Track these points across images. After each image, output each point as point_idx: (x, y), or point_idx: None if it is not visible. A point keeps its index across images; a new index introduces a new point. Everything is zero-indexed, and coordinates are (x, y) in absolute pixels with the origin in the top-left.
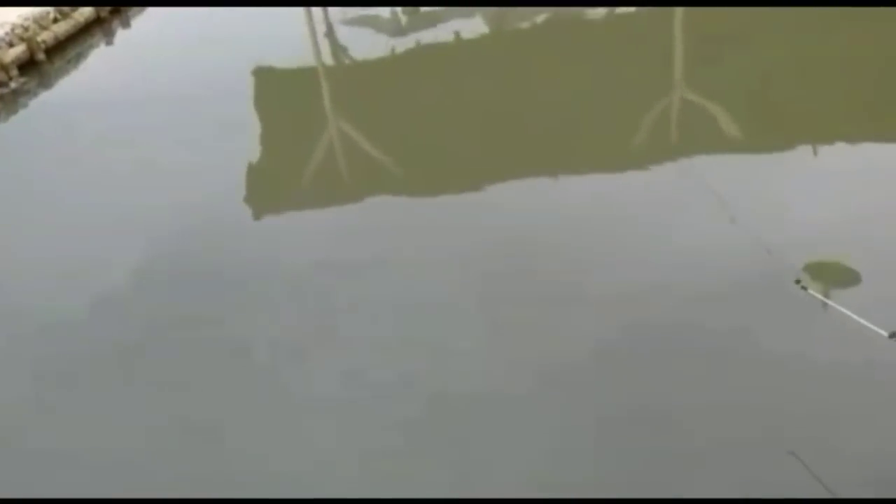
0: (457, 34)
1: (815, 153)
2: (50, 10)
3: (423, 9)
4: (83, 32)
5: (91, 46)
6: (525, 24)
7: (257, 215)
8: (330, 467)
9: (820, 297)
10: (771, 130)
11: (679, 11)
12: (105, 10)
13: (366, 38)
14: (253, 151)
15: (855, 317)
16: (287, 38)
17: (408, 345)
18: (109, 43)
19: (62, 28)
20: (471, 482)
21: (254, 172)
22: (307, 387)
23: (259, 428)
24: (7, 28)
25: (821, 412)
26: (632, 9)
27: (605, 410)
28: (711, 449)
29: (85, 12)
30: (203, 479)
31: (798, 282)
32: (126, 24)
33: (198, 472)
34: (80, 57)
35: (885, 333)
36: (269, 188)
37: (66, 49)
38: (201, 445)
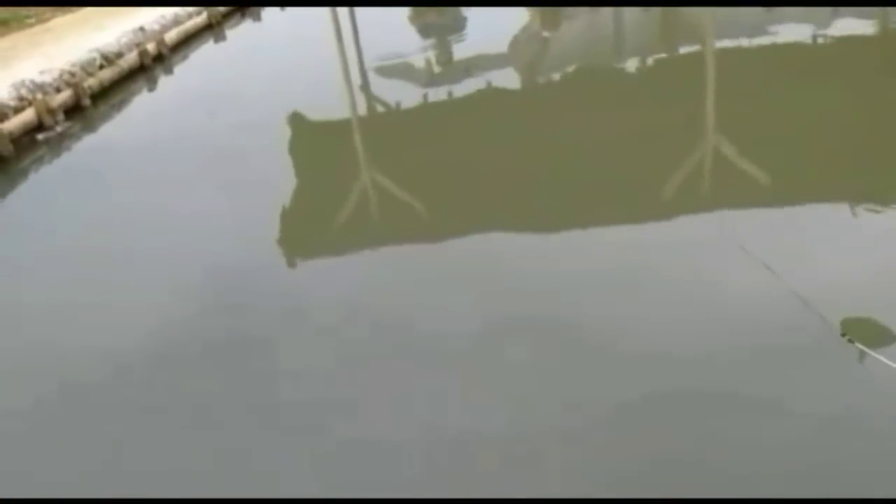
0: (489, 84)
1: (853, 211)
2: (97, 58)
3: (456, 58)
4: (127, 79)
5: (134, 93)
6: (556, 75)
7: (290, 261)
8: None
9: (867, 349)
10: (806, 183)
11: (710, 59)
12: (149, 58)
13: (399, 88)
14: (286, 199)
15: None
16: (324, 86)
17: (429, 399)
18: (152, 90)
19: (107, 74)
20: None
21: (287, 218)
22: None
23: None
24: (55, 74)
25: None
26: (664, 55)
27: (629, 474)
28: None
29: (129, 59)
30: None
31: (844, 335)
32: (169, 72)
33: None
34: (123, 103)
35: None
36: (302, 235)
37: (110, 95)
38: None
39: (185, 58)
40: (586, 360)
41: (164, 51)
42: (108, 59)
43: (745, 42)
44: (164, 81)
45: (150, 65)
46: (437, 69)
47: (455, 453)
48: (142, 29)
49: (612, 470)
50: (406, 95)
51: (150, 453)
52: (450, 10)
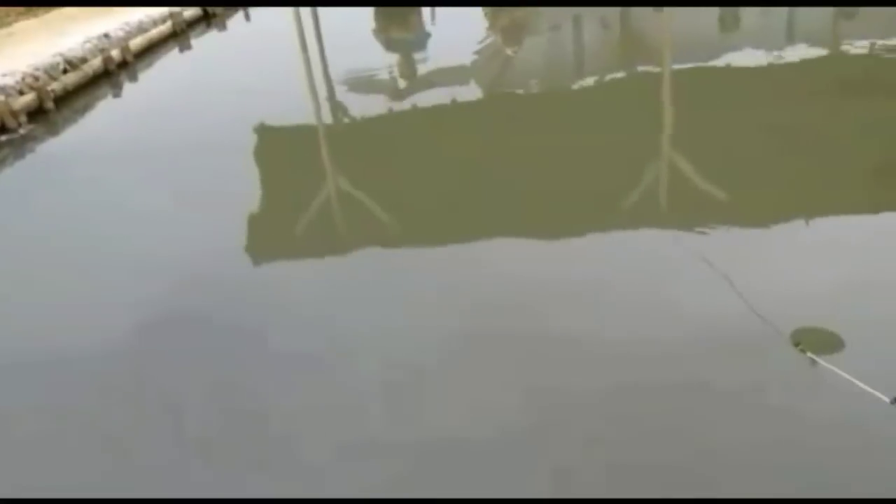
0: (452, 99)
1: (807, 223)
2: (60, 62)
3: (420, 73)
4: (91, 84)
5: (98, 98)
6: (518, 91)
7: (256, 264)
8: None
9: (818, 359)
10: (759, 200)
11: (667, 76)
12: (113, 64)
13: (364, 101)
14: (252, 205)
15: (855, 381)
16: (289, 95)
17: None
18: (117, 95)
19: (71, 79)
20: None
21: (254, 224)
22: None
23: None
24: (18, 76)
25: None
26: (622, 74)
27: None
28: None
29: (94, 64)
30: None
31: (797, 345)
32: (133, 78)
33: None
34: (87, 107)
35: (886, 399)
36: (268, 240)
37: (74, 99)
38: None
39: (149, 65)
40: (543, 367)
41: (129, 57)
42: (71, 64)
43: (701, 64)
44: (129, 88)
45: (114, 71)
46: (401, 83)
47: (415, 459)
48: (106, 35)
49: (570, 467)
50: (371, 108)
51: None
52: (414, 26)
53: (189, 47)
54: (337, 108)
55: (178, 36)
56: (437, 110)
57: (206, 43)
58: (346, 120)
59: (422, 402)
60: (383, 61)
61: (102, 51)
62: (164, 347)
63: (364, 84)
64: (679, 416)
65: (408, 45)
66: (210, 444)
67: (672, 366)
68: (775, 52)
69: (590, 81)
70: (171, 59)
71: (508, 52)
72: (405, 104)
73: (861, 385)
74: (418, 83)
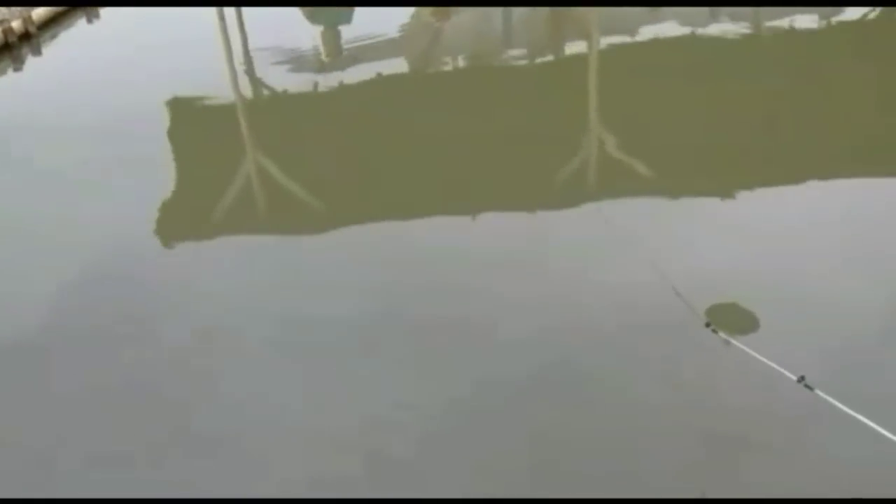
0: (378, 73)
1: (723, 199)
2: None
3: (346, 47)
4: None
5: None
6: (446, 66)
7: (169, 246)
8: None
9: (729, 338)
10: (684, 176)
11: (594, 56)
12: (14, 37)
13: (286, 75)
14: (165, 185)
15: (763, 359)
16: (205, 71)
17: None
18: (18, 69)
19: None
20: None
21: (166, 205)
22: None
23: None
24: None
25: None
26: (551, 48)
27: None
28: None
29: None
30: None
31: (708, 325)
32: (37, 52)
33: None
34: None
35: (793, 377)
36: (181, 221)
37: None
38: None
39: (54, 37)
40: (469, 343)
41: (32, 29)
42: None
43: (628, 39)
44: (32, 62)
45: (15, 43)
46: (325, 58)
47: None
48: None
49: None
50: (294, 82)
51: None
52: None
53: (98, 17)
54: (257, 82)
55: (85, 5)
56: (362, 86)
57: (117, 13)
58: (265, 93)
59: (343, 386)
60: (307, 34)
61: (2, 22)
62: (66, 334)
63: (286, 57)
64: (594, 389)
65: (332, 16)
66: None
67: (591, 342)
68: (699, 30)
69: (519, 55)
70: (79, 31)
71: (437, 25)
72: (330, 78)
73: (770, 363)
74: (343, 58)
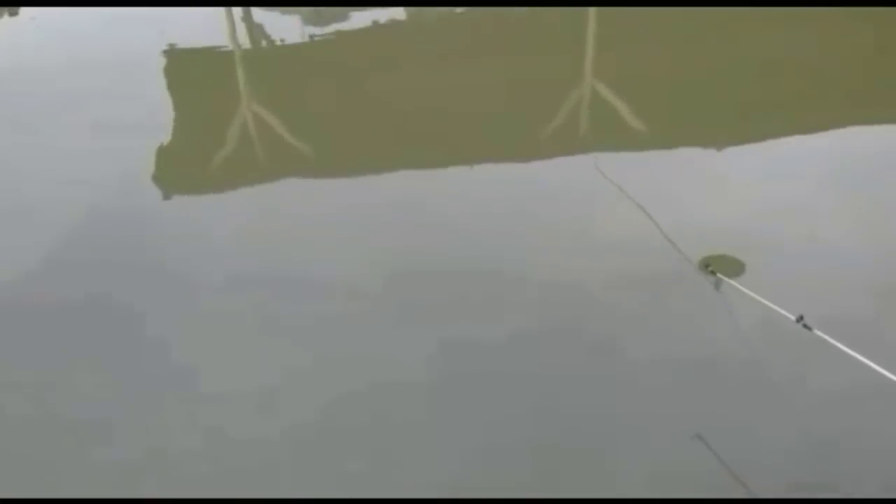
0: (374, 22)
1: (719, 150)
2: None
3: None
4: None
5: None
6: (444, 16)
7: (167, 196)
8: None
9: (728, 279)
10: (679, 129)
11: (593, 9)
12: None
13: (284, 25)
14: (163, 133)
15: (762, 299)
16: (201, 19)
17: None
18: (14, 14)
19: None
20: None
21: (164, 153)
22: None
23: None
24: None
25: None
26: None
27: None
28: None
29: None
30: None
31: (707, 266)
32: (15, 13)
33: None
34: None
35: (792, 317)
36: (179, 169)
37: None
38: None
39: None
40: (468, 295)
41: None
42: None
43: None
44: (25, 11)
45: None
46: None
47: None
48: None
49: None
50: (290, 32)
51: None
52: None
53: None
54: (254, 31)
55: None
56: (357, 34)
57: None
58: (263, 43)
59: (343, 335)
60: None
61: None
62: (61, 283)
63: (284, 8)
64: (587, 337)
65: None
66: None
67: (584, 291)
68: None
69: (516, 7)
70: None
71: None
72: (327, 28)
73: (767, 304)
74: (339, 11)
